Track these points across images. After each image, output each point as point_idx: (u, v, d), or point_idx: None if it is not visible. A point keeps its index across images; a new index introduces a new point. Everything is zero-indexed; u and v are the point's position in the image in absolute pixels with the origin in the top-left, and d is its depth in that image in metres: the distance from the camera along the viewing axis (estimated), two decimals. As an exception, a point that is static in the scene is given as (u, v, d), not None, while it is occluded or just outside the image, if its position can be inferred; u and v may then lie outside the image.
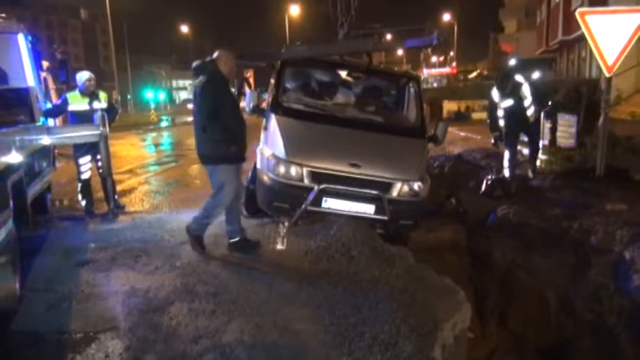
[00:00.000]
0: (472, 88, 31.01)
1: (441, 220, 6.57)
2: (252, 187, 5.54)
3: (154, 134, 23.76)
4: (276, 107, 5.54)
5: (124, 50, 44.00)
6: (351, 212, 4.98)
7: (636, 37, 6.41)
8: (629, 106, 10.48)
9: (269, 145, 5.26)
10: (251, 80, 8.47)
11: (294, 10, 41.84)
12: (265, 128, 5.55)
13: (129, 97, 44.73)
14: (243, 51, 6.24)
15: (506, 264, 5.37)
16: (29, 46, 6.07)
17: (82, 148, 6.23)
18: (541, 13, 27.25)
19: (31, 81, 5.92)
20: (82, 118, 6.13)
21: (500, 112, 7.45)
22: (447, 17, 47.89)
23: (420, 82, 6.65)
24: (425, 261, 4.64)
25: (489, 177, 7.45)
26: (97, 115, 5.86)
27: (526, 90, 7.23)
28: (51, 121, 6.38)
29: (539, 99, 7.42)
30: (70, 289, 3.85)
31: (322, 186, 4.90)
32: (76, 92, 6.25)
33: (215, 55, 4.45)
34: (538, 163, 8.00)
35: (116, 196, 6.60)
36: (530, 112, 7.29)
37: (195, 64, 4.48)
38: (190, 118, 7.98)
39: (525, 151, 8.31)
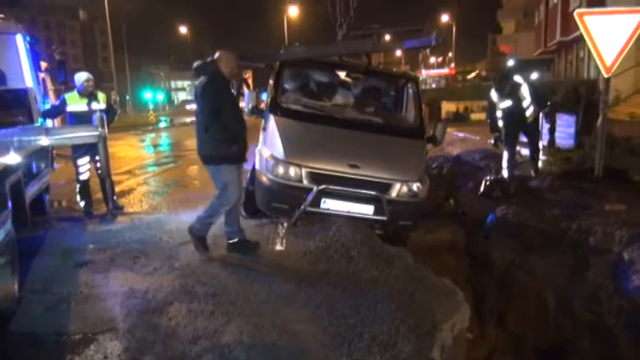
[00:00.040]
0: (470, 88, 31.04)
1: (439, 220, 6.58)
2: (251, 187, 5.53)
3: (152, 135, 23.68)
4: (275, 108, 5.54)
5: (123, 51, 43.97)
6: (350, 213, 4.98)
7: (634, 38, 6.41)
8: (627, 106, 10.45)
9: (268, 146, 5.26)
10: (249, 81, 8.45)
11: (293, 11, 41.90)
12: (264, 129, 5.55)
13: (127, 97, 44.68)
14: (242, 52, 6.24)
15: (505, 265, 5.37)
16: (27, 46, 6.07)
17: (80, 149, 6.23)
18: (539, 14, 27.27)
19: (29, 82, 5.91)
20: (81, 119, 6.13)
21: (498, 113, 7.47)
22: (445, 18, 47.97)
23: (419, 83, 6.66)
24: (424, 262, 4.64)
25: (488, 178, 7.44)
26: (96, 116, 5.86)
27: (525, 90, 7.25)
28: (49, 122, 6.37)
29: (537, 99, 7.43)
30: (68, 290, 3.85)
31: (321, 187, 4.89)
32: (75, 93, 6.25)
33: (216, 55, 4.46)
34: (539, 163, 8.00)
35: (115, 197, 6.60)
36: (529, 112, 7.30)
37: (196, 64, 4.49)
38: (189, 119, 7.97)
39: (524, 151, 8.32)
